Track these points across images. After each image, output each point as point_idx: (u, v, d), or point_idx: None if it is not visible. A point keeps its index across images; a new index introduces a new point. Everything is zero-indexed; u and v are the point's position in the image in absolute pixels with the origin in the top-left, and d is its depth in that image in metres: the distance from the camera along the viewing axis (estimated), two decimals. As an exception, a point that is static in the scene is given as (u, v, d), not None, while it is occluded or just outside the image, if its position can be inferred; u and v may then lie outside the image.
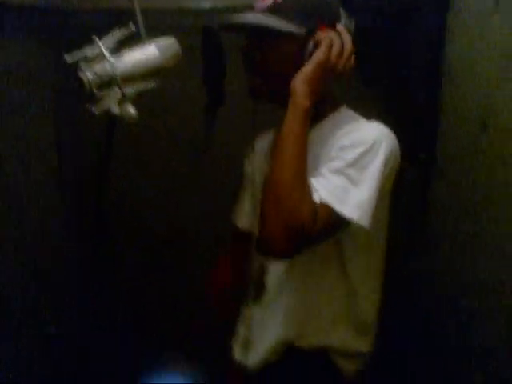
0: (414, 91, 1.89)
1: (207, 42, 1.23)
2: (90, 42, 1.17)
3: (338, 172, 1.09)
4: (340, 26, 1.16)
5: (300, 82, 1.11)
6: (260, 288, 1.34)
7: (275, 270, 1.30)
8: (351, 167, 1.09)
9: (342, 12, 1.20)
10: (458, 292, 1.59)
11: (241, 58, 1.22)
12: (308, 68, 1.11)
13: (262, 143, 1.42)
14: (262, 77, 1.20)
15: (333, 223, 1.07)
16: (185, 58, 1.21)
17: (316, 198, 1.06)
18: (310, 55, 1.13)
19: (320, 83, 1.13)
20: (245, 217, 1.50)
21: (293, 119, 1.10)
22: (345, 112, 1.27)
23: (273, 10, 1.16)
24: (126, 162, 1.98)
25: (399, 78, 1.86)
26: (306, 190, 1.06)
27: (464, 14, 1.66)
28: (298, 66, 1.13)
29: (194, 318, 1.82)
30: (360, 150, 1.10)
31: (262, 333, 1.33)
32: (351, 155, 1.10)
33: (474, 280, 1.48)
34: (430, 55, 1.83)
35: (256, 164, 1.40)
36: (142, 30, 1.24)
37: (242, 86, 1.23)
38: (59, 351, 2.06)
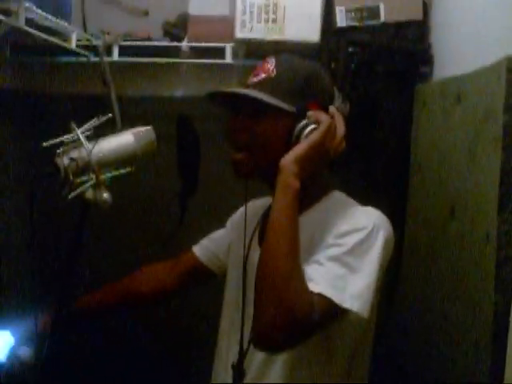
0: (381, 177, 1.94)
1: (182, 130, 1.26)
2: (67, 127, 1.20)
3: (336, 260, 1.05)
4: (332, 108, 1.15)
5: (289, 162, 1.07)
6: (240, 375, 1.26)
7: (256, 357, 1.23)
8: (350, 255, 1.05)
9: (336, 93, 1.20)
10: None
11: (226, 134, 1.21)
12: (300, 148, 1.09)
13: (253, 210, 1.39)
14: (248, 152, 1.17)
15: (331, 313, 1.02)
16: (160, 145, 1.24)
17: (313, 287, 1.01)
18: (300, 133, 1.11)
19: (311, 165, 1.10)
20: (207, 251, 1.49)
21: (282, 200, 1.06)
22: (337, 196, 1.25)
23: (265, 84, 1.16)
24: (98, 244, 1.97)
25: (367, 165, 1.91)
26: (302, 278, 1.02)
27: (429, 106, 1.73)
28: (285, 143, 1.12)
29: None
30: (359, 236, 1.07)
31: None
32: (350, 242, 1.06)
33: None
34: (397, 144, 1.90)
35: (237, 229, 1.39)
36: (118, 119, 1.27)
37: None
38: None
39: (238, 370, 1.27)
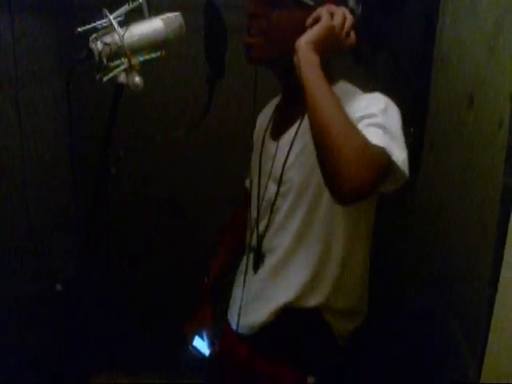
0: (405, 68, 1.99)
1: (209, 16, 1.29)
2: (97, 15, 1.25)
3: (371, 125, 1.09)
4: (341, 7, 1.19)
5: (305, 40, 1.12)
6: (259, 257, 1.39)
7: (272, 236, 1.36)
8: (380, 118, 1.10)
9: None
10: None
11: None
12: (312, 30, 1.14)
13: (263, 118, 1.50)
14: (262, 38, 1.23)
15: (387, 165, 1.07)
16: (187, 34, 1.28)
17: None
18: (310, 26, 1.15)
19: (324, 47, 1.14)
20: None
21: (310, 71, 1.10)
22: (344, 85, 1.31)
23: None
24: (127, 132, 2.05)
25: (391, 57, 1.93)
26: (360, 131, 1.05)
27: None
28: (300, 34, 1.15)
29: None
30: (380, 105, 1.14)
31: (261, 300, 1.39)
32: (374, 110, 1.12)
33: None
34: (422, 35, 1.93)
35: (256, 137, 1.48)
36: (145, 8, 1.29)
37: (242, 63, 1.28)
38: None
39: (258, 252, 1.39)
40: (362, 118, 1.12)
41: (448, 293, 1.58)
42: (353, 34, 1.18)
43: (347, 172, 1.00)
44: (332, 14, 1.15)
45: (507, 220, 1.20)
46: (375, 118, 1.11)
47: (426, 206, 1.89)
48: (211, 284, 1.62)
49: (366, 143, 1.03)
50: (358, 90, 1.29)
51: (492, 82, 1.38)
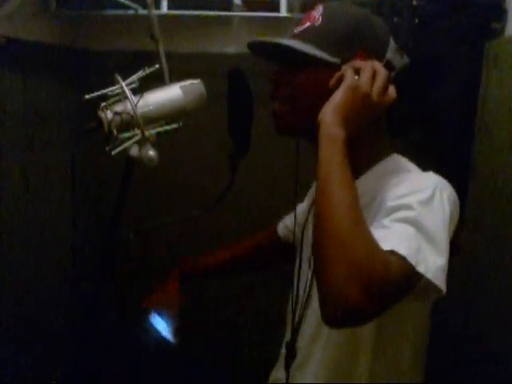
0: (446, 140, 1.85)
1: (234, 85, 1.18)
2: (112, 81, 1.13)
3: (403, 220, 0.90)
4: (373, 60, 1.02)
5: (328, 111, 0.97)
6: (293, 354, 1.22)
7: (307, 333, 1.19)
8: (416, 214, 0.91)
9: (391, 44, 1.08)
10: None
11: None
12: (336, 95, 0.98)
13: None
14: (289, 106, 1.10)
15: (407, 277, 0.86)
16: (210, 104, 1.16)
17: (383, 245, 0.86)
18: (334, 87, 1.00)
19: (355, 113, 0.97)
20: (286, 229, 1.49)
21: (328, 152, 0.94)
22: (397, 159, 1.13)
23: (308, 34, 1.07)
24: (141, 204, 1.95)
25: (430, 128, 1.82)
26: (369, 234, 0.87)
27: (502, 64, 1.62)
28: (328, 95, 1.00)
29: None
30: (422, 196, 0.93)
31: None
32: (413, 201, 0.93)
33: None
34: (464, 105, 1.80)
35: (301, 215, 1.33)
36: (166, 74, 1.19)
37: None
38: None
39: (291, 349, 1.22)
40: (394, 209, 0.93)
41: None
42: (391, 91, 0.99)
43: (334, 293, 0.83)
44: (358, 70, 0.98)
45: None
46: (409, 212, 0.91)
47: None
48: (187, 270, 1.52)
49: (369, 257, 0.83)
50: (409, 167, 1.11)
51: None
